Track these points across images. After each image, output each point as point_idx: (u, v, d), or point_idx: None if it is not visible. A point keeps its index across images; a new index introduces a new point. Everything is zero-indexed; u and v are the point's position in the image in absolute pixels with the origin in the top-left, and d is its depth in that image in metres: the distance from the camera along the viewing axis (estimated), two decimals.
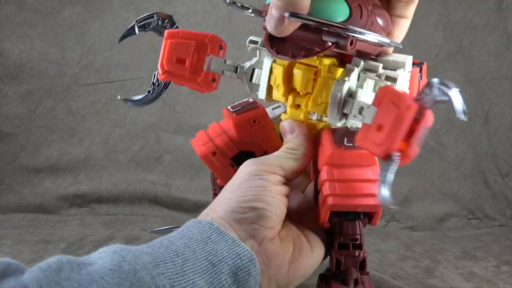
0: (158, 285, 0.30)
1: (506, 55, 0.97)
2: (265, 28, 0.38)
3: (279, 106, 0.48)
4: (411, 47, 0.90)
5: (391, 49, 0.42)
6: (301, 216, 0.43)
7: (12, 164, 0.91)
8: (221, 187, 0.43)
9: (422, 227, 0.88)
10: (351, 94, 0.39)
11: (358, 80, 0.40)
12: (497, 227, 0.89)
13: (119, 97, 0.47)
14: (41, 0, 0.94)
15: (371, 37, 0.36)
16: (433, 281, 0.61)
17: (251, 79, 0.45)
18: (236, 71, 0.45)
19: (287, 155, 0.41)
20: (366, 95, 0.39)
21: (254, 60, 0.45)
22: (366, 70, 0.40)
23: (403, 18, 0.40)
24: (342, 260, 0.41)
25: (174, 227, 0.68)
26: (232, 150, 0.45)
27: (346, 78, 0.39)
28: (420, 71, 0.45)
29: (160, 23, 0.46)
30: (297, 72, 0.41)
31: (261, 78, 0.44)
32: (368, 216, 0.40)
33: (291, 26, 0.35)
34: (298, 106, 0.42)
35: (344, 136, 0.39)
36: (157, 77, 0.46)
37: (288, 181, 0.41)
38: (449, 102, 0.32)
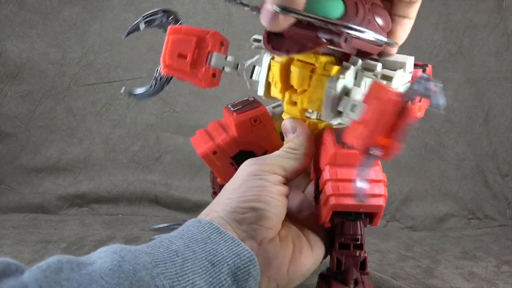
0: (158, 285, 0.30)
1: (506, 55, 0.97)
2: None
3: (279, 105, 0.48)
4: (411, 47, 0.90)
5: (393, 50, 0.42)
6: (301, 216, 0.43)
7: (12, 164, 0.91)
8: (221, 186, 0.43)
9: (422, 227, 0.88)
10: (348, 93, 0.39)
11: (356, 79, 0.40)
12: (497, 227, 0.89)
13: (122, 89, 0.48)
14: (41, 0, 0.94)
15: (366, 34, 0.36)
16: (433, 281, 0.61)
17: (251, 76, 0.45)
18: (236, 68, 0.45)
19: (287, 154, 0.41)
20: (362, 93, 0.39)
21: (256, 57, 0.45)
22: (365, 69, 0.40)
23: (405, 18, 0.40)
24: (343, 260, 0.41)
25: (173, 225, 0.69)
26: (233, 149, 0.45)
27: (341, 76, 0.39)
28: (423, 73, 0.45)
29: (165, 19, 0.47)
30: (294, 69, 0.41)
31: (260, 75, 0.44)
32: (370, 216, 0.40)
33: (285, 21, 0.35)
34: (295, 103, 0.42)
35: None
36: (159, 71, 0.47)
37: (288, 181, 0.41)
38: (429, 96, 0.32)
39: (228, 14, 0.96)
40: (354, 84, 0.40)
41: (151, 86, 0.48)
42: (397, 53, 0.43)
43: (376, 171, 0.39)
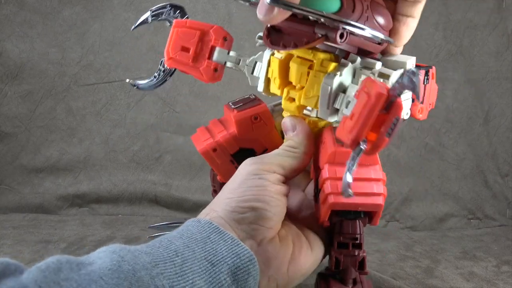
0: (157, 285, 0.30)
1: (506, 55, 0.97)
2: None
3: (280, 103, 0.48)
4: (411, 47, 0.89)
5: (397, 50, 0.42)
6: (301, 216, 0.43)
7: (12, 164, 0.91)
8: (221, 184, 0.43)
9: (422, 227, 0.88)
10: (344, 90, 0.39)
11: (354, 77, 0.40)
12: (497, 227, 0.89)
13: (127, 80, 0.49)
14: (41, 0, 0.94)
15: (361, 30, 0.36)
16: (433, 281, 0.61)
17: (252, 72, 0.45)
18: (238, 63, 0.46)
19: (287, 153, 0.41)
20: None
21: (258, 54, 0.46)
22: (364, 67, 0.40)
23: (410, 17, 0.40)
24: (342, 259, 0.41)
25: (173, 223, 0.69)
26: (233, 146, 0.46)
27: (338, 73, 0.39)
28: (427, 74, 0.45)
29: (172, 13, 0.48)
30: (293, 65, 0.41)
31: (260, 70, 0.44)
32: (369, 215, 0.40)
33: (280, 14, 0.35)
34: (293, 99, 0.42)
35: None
36: (163, 63, 0.48)
37: (287, 179, 0.41)
38: (414, 89, 0.32)
39: (228, 14, 0.96)
40: (352, 82, 0.40)
41: (154, 77, 0.49)
42: (400, 53, 0.43)
43: (376, 170, 0.38)
